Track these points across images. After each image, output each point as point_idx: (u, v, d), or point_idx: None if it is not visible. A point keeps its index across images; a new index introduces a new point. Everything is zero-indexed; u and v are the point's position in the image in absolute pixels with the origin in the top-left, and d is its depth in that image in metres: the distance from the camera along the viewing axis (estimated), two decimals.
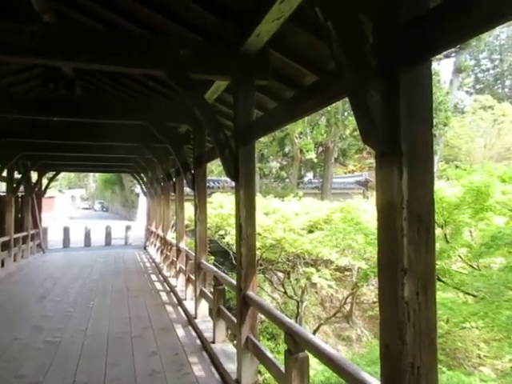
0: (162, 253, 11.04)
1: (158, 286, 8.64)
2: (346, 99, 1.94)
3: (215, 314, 4.84)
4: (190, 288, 6.68)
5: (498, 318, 4.97)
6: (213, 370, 4.22)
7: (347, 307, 12.63)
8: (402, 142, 1.57)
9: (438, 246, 6.20)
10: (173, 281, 8.33)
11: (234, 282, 4.06)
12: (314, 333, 10.29)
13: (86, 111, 5.74)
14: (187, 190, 8.10)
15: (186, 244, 8.36)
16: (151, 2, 3.73)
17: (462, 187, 7.11)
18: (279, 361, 3.19)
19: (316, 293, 12.51)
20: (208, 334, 4.97)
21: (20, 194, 13.05)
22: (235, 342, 4.04)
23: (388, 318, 1.68)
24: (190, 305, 6.39)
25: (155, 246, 12.82)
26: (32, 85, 7.06)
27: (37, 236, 14.08)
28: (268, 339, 9.87)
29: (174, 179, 8.48)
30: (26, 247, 12.66)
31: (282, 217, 10.69)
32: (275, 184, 23.73)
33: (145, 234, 15.87)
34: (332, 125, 19.48)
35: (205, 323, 5.49)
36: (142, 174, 14.95)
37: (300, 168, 24.86)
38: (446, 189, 7.50)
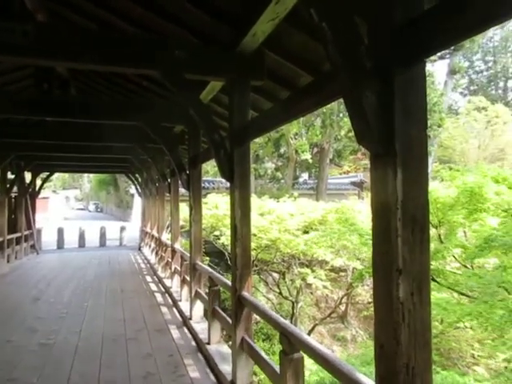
0: (156, 254, 11.01)
1: (153, 287, 8.61)
2: (341, 100, 1.95)
3: (210, 314, 4.83)
4: (185, 289, 6.66)
5: (491, 317, 5.00)
6: (208, 371, 4.21)
7: (342, 308, 12.66)
8: (396, 143, 1.57)
9: (432, 246, 6.23)
10: (168, 282, 8.30)
11: (229, 283, 4.05)
12: (309, 333, 10.30)
13: (81, 112, 5.71)
14: (182, 190, 8.06)
15: (181, 245, 8.33)
16: (145, 2, 3.72)
17: (456, 188, 7.15)
18: (274, 361, 3.19)
19: (311, 293, 12.52)
20: (203, 335, 4.95)
21: (13, 195, 12.96)
22: (230, 342, 4.03)
23: (383, 319, 1.68)
24: (185, 306, 6.37)
25: (150, 246, 12.77)
26: (24, 85, 7.01)
27: (30, 237, 13.98)
28: (263, 340, 9.87)
29: (168, 180, 8.46)
30: (20, 248, 12.57)
31: (277, 217, 10.69)
32: (270, 185, 23.74)
33: (139, 235, 15.82)
34: (327, 126, 19.53)
35: (200, 324, 5.48)
36: (137, 175, 14.90)
37: (295, 169, 24.90)
38: (440, 189, 7.55)
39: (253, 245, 8.61)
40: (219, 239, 10.88)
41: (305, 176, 28.51)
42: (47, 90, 5.75)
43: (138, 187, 15.60)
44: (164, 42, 3.58)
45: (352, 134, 17.79)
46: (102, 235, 16.68)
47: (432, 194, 6.58)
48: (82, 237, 16.33)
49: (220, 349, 4.54)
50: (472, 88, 40.54)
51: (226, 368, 3.97)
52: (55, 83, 5.96)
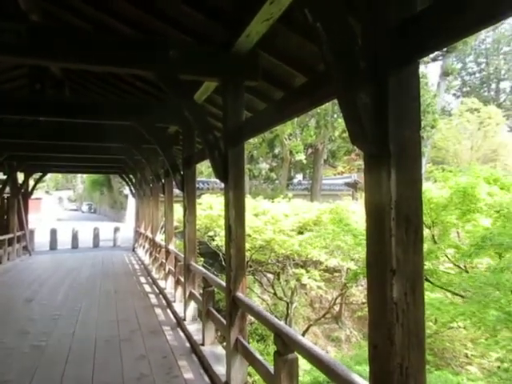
0: (150, 255, 10.96)
1: (147, 288, 8.57)
2: (336, 101, 1.95)
3: (204, 315, 4.81)
4: (179, 290, 6.64)
5: (484, 317, 5.03)
6: (202, 372, 4.19)
7: (336, 308, 12.68)
8: (390, 144, 1.58)
9: (425, 246, 6.26)
10: (162, 283, 8.27)
11: (224, 284, 4.04)
12: (304, 334, 10.30)
13: (75, 112, 5.67)
14: (176, 191, 8.04)
15: (175, 246, 8.31)
16: (139, 2, 3.71)
17: (449, 189, 7.20)
18: (268, 362, 3.18)
19: (305, 294, 12.54)
20: (197, 337, 4.93)
21: (6, 196, 12.85)
22: (224, 343, 4.02)
23: (377, 319, 1.68)
24: (179, 307, 6.34)
25: (144, 247, 12.72)
26: (19, 85, 6.96)
27: (23, 238, 13.86)
28: (257, 341, 9.86)
29: (163, 180, 8.44)
30: (12, 249, 12.46)
31: (272, 218, 10.70)
32: (265, 185, 23.76)
33: (133, 236, 15.74)
34: (321, 126, 19.59)
35: (194, 325, 5.46)
36: (131, 175, 14.84)
37: (289, 169, 24.96)
38: (433, 190, 7.59)
39: (247, 245, 8.61)
40: (214, 240, 10.87)
41: (299, 177, 28.59)
42: (40, 90, 5.71)
43: (132, 188, 15.54)
44: (158, 43, 3.56)
45: (346, 134, 17.84)
46: (96, 236, 16.59)
47: (425, 195, 6.62)
48: (75, 238, 16.22)
49: (214, 350, 4.53)
50: (465, 89, 40.87)
51: (220, 369, 3.96)
52: (49, 83, 5.92)
